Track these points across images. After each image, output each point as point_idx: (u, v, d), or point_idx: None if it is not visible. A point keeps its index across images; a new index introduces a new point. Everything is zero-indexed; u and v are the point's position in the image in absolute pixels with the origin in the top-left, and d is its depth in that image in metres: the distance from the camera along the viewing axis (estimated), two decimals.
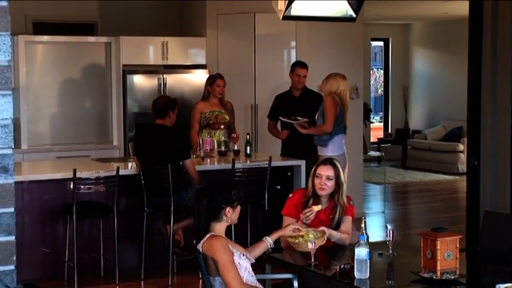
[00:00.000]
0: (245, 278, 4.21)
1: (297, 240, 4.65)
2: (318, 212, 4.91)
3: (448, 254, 4.09)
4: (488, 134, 7.99)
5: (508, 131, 8.13)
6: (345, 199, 5.00)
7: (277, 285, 4.55)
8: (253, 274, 4.30)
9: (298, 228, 4.68)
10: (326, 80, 7.46)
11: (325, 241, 4.66)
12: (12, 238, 1.95)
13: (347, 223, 4.96)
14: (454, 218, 9.18)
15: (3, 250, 1.94)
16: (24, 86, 8.96)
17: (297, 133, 7.66)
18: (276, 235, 4.64)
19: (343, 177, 5.03)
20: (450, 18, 13.31)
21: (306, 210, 4.86)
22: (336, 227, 4.91)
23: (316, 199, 4.97)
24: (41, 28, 9.76)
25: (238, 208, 4.36)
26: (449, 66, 14.54)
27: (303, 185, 6.90)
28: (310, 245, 4.45)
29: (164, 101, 7.15)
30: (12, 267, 1.95)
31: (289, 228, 4.69)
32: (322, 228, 4.76)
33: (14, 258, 1.95)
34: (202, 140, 7.80)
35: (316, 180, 4.94)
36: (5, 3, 1.92)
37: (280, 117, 7.78)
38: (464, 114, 8.41)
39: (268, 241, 4.57)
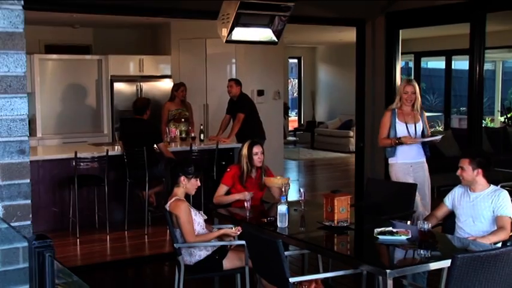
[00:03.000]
0: (197, 231, 4.19)
1: (271, 178, 4.87)
2: (253, 177, 4.95)
3: (342, 209, 4.14)
4: (370, 125, 8.13)
5: None
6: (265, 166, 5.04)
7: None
8: (205, 227, 4.27)
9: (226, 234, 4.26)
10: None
11: (289, 183, 4.68)
12: (28, 201, 1.91)
13: None
14: (347, 183, 9.29)
15: (22, 210, 1.90)
16: (38, 91, 8.78)
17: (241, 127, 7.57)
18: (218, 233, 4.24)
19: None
20: (343, 43, 13.44)
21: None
22: (263, 187, 4.98)
23: (257, 170, 4.98)
24: (50, 49, 9.60)
25: (194, 181, 4.24)
26: (343, 76, 14.70)
27: None
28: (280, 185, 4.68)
29: (141, 102, 7.06)
30: (28, 222, 1.91)
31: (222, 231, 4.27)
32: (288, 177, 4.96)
33: (30, 216, 1.91)
34: (169, 129, 7.79)
35: (255, 157, 4.93)
36: (21, 30, 1.87)
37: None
38: (354, 110, 8.55)
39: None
